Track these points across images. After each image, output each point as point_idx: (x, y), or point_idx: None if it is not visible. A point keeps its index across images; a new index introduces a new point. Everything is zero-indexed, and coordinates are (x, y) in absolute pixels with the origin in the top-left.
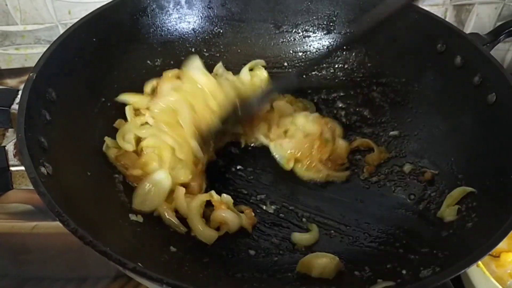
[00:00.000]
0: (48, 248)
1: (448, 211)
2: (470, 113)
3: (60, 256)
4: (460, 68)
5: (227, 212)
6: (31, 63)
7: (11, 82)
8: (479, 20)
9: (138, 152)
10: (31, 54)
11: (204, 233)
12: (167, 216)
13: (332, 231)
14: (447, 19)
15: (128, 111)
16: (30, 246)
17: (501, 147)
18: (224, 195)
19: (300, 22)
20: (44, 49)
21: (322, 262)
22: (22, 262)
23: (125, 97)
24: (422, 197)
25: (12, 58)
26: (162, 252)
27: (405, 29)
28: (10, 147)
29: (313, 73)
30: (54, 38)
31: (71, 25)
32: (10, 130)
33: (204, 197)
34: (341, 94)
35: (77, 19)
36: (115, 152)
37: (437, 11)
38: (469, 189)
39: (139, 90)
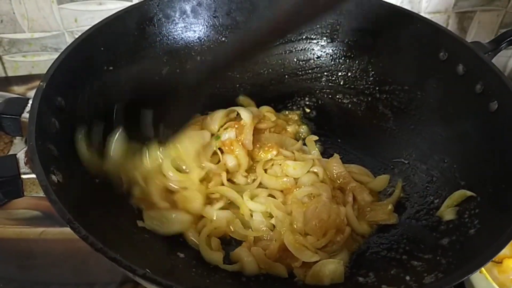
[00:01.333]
0: (55, 254)
1: (447, 211)
2: (472, 121)
3: (67, 261)
4: (462, 76)
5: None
6: (38, 70)
7: (18, 89)
8: (481, 27)
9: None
10: (38, 62)
11: (210, 256)
12: (192, 238)
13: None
14: (449, 26)
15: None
16: (37, 251)
17: (503, 154)
18: None
19: (303, 31)
20: (51, 57)
21: (331, 268)
22: (30, 268)
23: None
24: (424, 204)
25: (19, 65)
26: (169, 258)
27: (408, 38)
28: (21, 155)
29: (316, 80)
30: (61, 46)
31: (77, 32)
32: (17, 137)
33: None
34: (344, 101)
35: (84, 27)
36: (138, 192)
37: (440, 19)
38: (469, 193)
39: (144, 97)
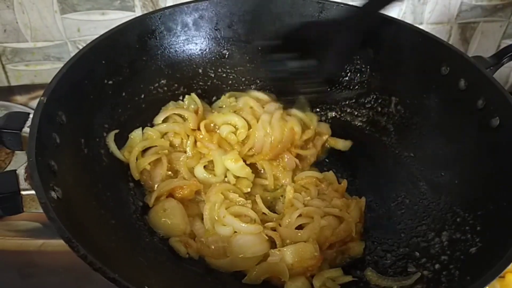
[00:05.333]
0: (55, 266)
1: None
2: (474, 136)
3: (67, 273)
4: (464, 91)
5: None
6: (41, 79)
7: (21, 99)
8: (484, 38)
9: None
10: (40, 71)
11: None
12: None
13: None
14: (452, 37)
15: None
16: (38, 263)
17: (505, 170)
18: None
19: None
20: (53, 66)
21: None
22: (30, 279)
23: None
24: (424, 219)
25: (22, 74)
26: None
27: (409, 52)
28: (21, 171)
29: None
30: (63, 55)
31: (80, 42)
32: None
33: None
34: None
35: (86, 37)
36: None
37: (442, 30)
38: None
39: (145, 109)
